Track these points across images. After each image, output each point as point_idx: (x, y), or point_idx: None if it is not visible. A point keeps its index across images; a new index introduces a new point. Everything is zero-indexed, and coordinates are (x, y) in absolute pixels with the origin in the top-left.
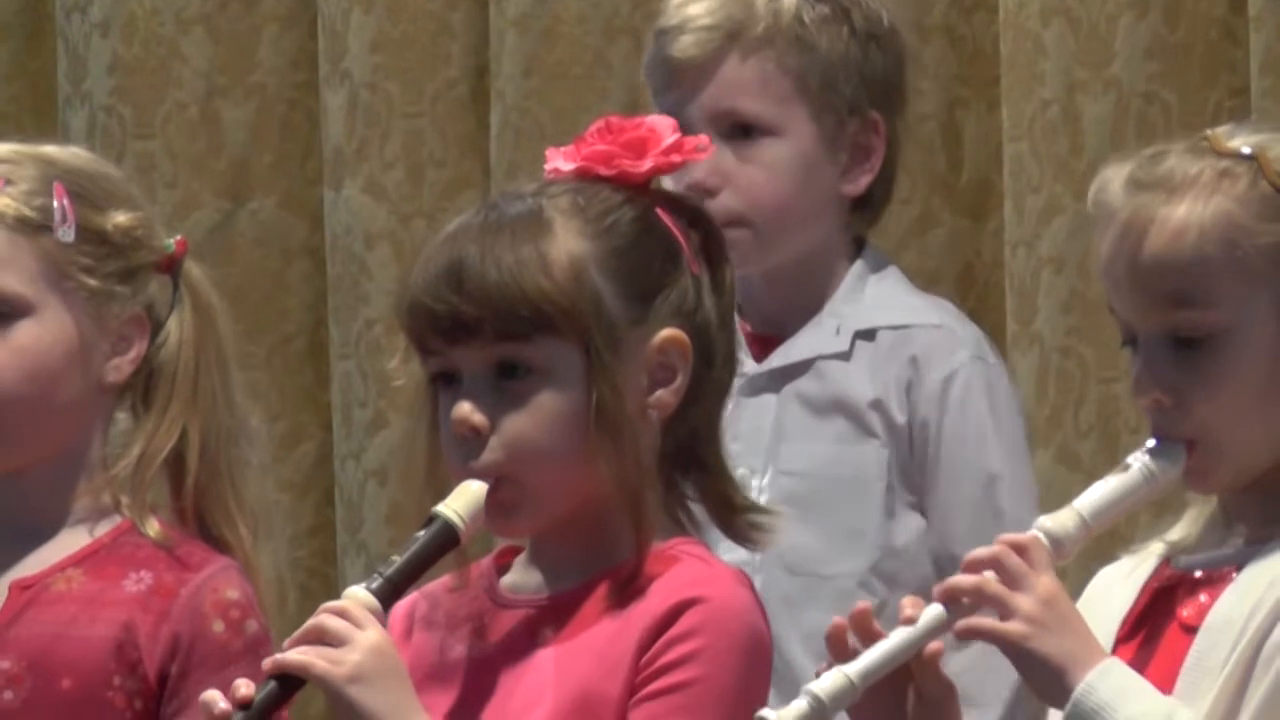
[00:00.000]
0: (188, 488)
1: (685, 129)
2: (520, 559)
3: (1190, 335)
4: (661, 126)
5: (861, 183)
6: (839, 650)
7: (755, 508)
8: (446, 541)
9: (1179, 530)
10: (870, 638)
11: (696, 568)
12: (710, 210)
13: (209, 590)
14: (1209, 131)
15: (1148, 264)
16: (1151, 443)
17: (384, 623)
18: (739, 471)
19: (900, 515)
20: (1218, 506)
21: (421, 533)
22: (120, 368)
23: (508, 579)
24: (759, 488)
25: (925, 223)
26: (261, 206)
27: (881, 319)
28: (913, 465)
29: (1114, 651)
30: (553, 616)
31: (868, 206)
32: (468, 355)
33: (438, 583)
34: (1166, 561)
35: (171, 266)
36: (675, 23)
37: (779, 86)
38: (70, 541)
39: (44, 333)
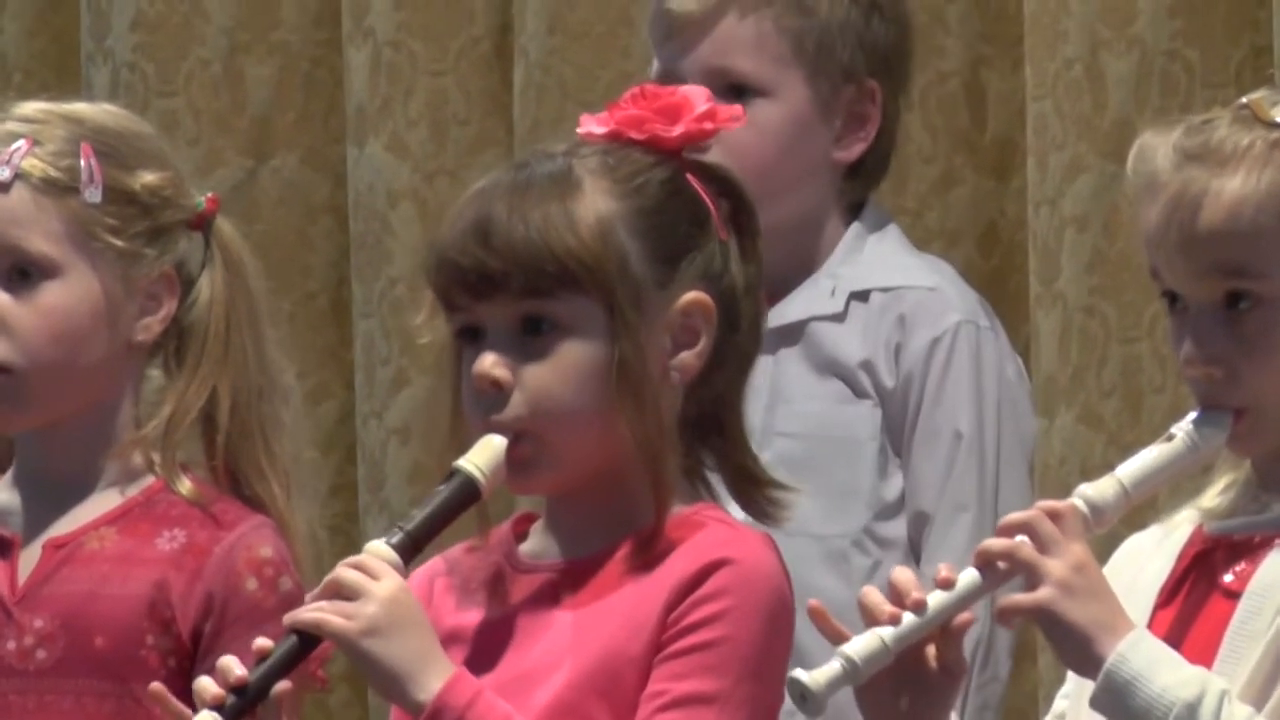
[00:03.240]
0: (219, 446)
1: (680, 84)
2: (538, 525)
3: (1243, 305)
4: (695, 95)
5: (855, 150)
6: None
7: (775, 483)
8: (467, 496)
9: (1211, 497)
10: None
11: (724, 531)
12: None
13: (242, 548)
14: (1248, 98)
15: (1203, 236)
16: (1194, 413)
17: (404, 576)
18: None
19: (892, 475)
20: (1251, 471)
21: (442, 487)
22: (150, 327)
23: (526, 546)
24: (755, 448)
25: (948, 181)
26: (284, 164)
27: (876, 280)
28: (898, 426)
29: (1153, 617)
30: (572, 580)
31: (862, 174)
32: (492, 310)
33: (457, 547)
34: (1200, 528)
35: (203, 224)
36: None
37: (775, 47)
38: (103, 501)
39: (70, 294)
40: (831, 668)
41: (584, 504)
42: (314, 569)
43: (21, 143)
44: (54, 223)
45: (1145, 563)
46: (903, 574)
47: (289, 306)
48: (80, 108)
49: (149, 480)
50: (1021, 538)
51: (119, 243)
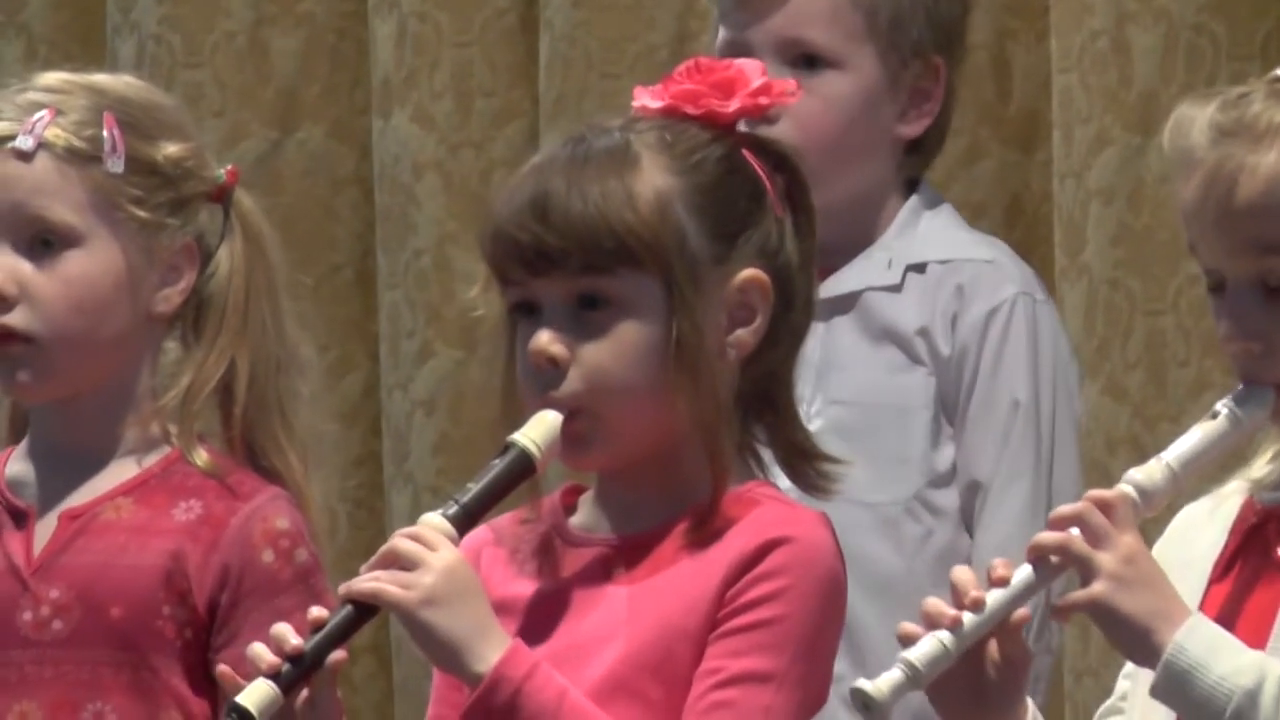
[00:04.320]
0: (236, 417)
1: (747, 53)
2: (587, 497)
3: None
4: (750, 69)
5: (918, 126)
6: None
7: (825, 456)
8: (523, 470)
9: (1260, 466)
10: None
11: (780, 509)
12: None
13: (258, 520)
14: None
15: (1239, 212)
16: (1238, 388)
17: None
18: None
19: (944, 444)
20: None
21: (497, 461)
22: (170, 298)
23: (576, 518)
24: (806, 415)
25: (974, 154)
26: (310, 136)
27: (932, 253)
28: (952, 395)
29: (1207, 592)
30: (626, 555)
31: (921, 150)
32: (549, 286)
33: (505, 516)
34: (1251, 500)
35: (222, 196)
36: None
37: (849, 21)
38: (120, 471)
39: (92, 263)
40: (893, 675)
41: (637, 480)
42: (331, 541)
43: (44, 113)
44: (77, 192)
45: (1197, 535)
46: (963, 573)
47: (314, 278)
48: (102, 79)
49: (166, 451)
50: (1074, 530)
51: (141, 213)
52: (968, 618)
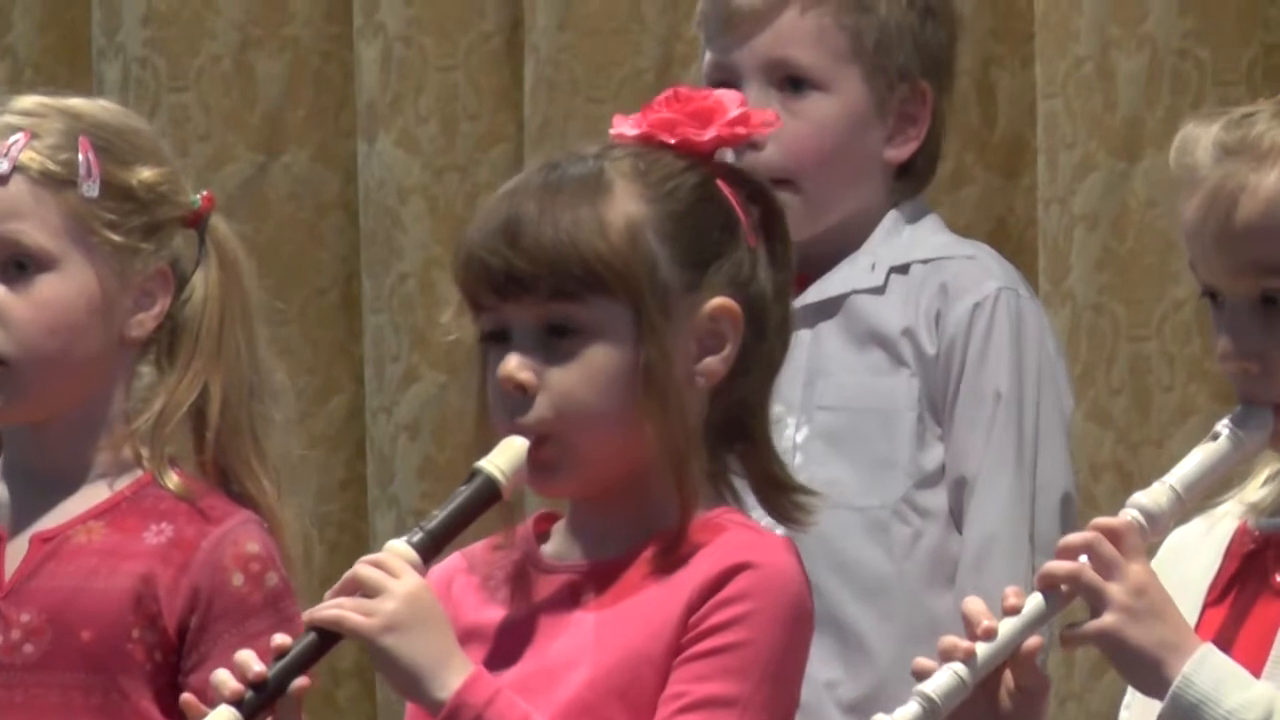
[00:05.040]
0: (208, 441)
1: (733, 75)
2: (560, 525)
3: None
4: (729, 99)
5: (906, 150)
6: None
7: (800, 488)
8: (488, 497)
9: (1255, 489)
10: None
11: (746, 535)
12: (756, 165)
13: (229, 543)
14: None
15: (1239, 232)
16: (1236, 409)
17: (424, 575)
18: (776, 409)
19: (930, 445)
20: None
21: (463, 488)
22: (143, 323)
23: (548, 546)
24: (796, 424)
25: (958, 179)
26: (295, 160)
27: (915, 254)
28: (940, 394)
29: (1203, 615)
30: (595, 582)
31: (911, 175)
32: (519, 312)
33: (479, 544)
34: (1245, 524)
35: (197, 221)
36: None
37: (834, 43)
38: (91, 495)
39: (66, 287)
40: (911, 709)
41: (607, 507)
42: (307, 566)
43: (20, 136)
44: (51, 216)
45: (1191, 557)
46: (974, 604)
47: (299, 302)
48: (78, 103)
49: (137, 474)
50: (1083, 558)
51: (116, 237)
52: (981, 648)
